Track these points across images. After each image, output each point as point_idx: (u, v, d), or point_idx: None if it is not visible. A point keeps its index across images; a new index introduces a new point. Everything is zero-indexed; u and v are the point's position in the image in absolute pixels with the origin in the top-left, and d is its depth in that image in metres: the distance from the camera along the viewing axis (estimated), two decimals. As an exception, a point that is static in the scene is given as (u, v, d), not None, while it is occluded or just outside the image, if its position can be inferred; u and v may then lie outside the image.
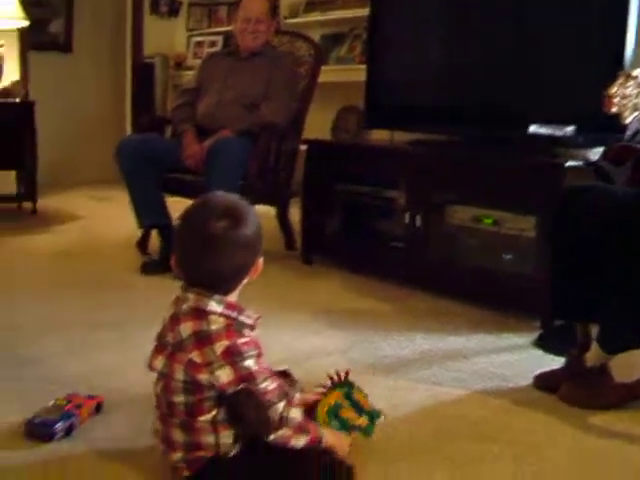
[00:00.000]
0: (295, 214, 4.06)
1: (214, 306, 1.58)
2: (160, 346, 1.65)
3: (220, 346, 1.54)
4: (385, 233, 3.68)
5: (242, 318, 1.61)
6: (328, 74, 4.57)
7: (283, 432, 1.58)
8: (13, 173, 5.30)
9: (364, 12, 4.72)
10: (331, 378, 1.88)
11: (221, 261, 1.58)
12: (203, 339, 1.55)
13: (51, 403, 1.97)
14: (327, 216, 3.88)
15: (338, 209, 3.91)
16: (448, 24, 3.68)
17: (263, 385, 1.56)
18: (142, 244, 3.94)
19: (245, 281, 1.66)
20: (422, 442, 1.93)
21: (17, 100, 5.09)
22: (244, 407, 1.57)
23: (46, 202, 5.63)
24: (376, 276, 3.63)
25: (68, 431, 1.89)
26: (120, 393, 2.16)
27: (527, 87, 3.28)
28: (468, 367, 2.50)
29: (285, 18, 5.42)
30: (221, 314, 1.58)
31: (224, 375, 1.54)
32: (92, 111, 7.29)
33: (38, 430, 1.87)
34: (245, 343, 1.57)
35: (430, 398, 2.22)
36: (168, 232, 3.69)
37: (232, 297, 1.64)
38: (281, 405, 1.58)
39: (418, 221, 3.35)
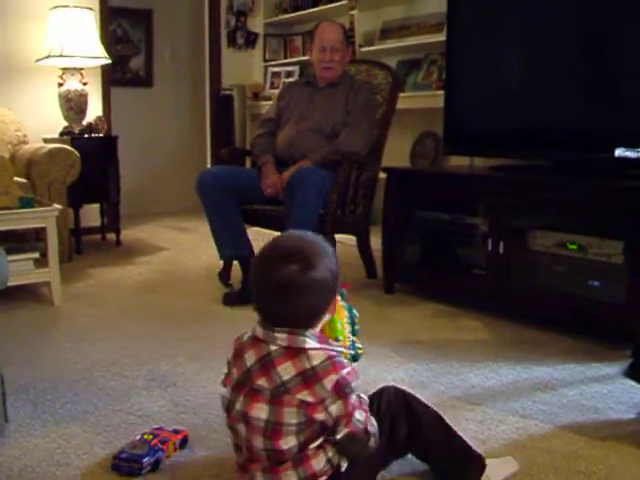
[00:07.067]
0: (375, 242, 4.03)
1: (310, 343, 1.56)
2: (252, 392, 1.58)
3: (329, 381, 1.52)
4: (467, 260, 3.63)
5: (336, 347, 1.61)
6: (405, 101, 4.56)
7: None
8: (97, 205, 5.42)
9: (439, 37, 4.71)
10: None
11: (294, 305, 1.56)
12: (311, 377, 1.52)
13: (137, 437, 1.99)
14: (408, 244, 3.85)
15: (418, 237, 3.88)
16: (528, 46, 3.60)
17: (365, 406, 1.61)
18: (223, 275, 3.96)
19: (326, 318, 1.65)
20: (512, 477, 1.86)
21: (101, 135, 5.21)
22: (350, 447, 1.60)
23: (129, 233, 5.78)
24: (458, 304, 3.58)
25: (155, 466, 1.90)
26: (205, 428, 2.17)
27: (612, 110, 3.21)
28: (557, 399, 2.42)
29: (360, 46, 5.43)
30: (320, 348, 1.57)
31: (338, 409, 1.53)
32: (173, 143, 7.47)
33: (125, 465, 1.88)
34: (349, 373, 1.55)
35: (519, 431, 2.16)
36: (249, 263, 3.69)
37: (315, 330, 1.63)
38: (373, 429, 1.63)
39: (501, 247, 3.29)
